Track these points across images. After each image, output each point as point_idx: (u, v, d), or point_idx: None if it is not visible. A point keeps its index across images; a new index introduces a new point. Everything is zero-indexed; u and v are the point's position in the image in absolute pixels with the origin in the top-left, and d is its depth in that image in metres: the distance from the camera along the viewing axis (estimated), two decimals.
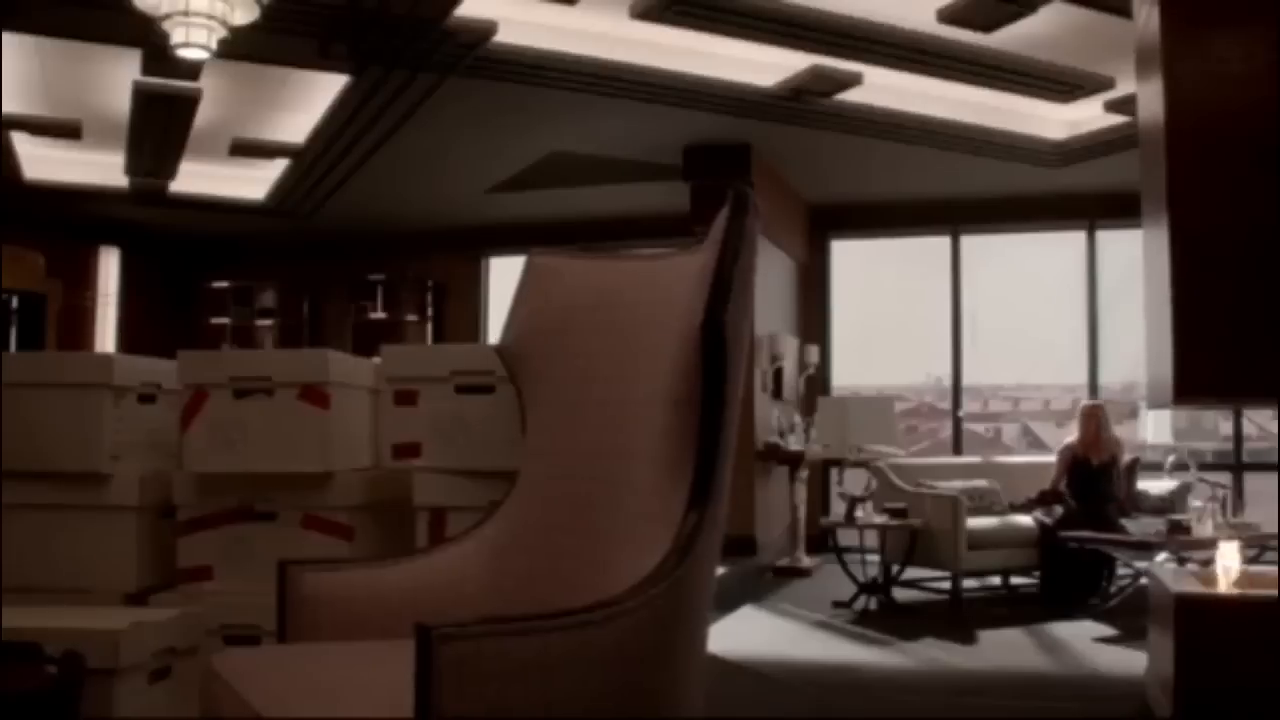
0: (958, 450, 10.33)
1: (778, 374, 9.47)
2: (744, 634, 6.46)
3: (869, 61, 6.96)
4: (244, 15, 5.34)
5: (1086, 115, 7.95)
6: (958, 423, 10.53)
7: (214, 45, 5.33)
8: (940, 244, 10.46)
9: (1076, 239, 10.12)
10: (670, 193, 9.03)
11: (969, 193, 9.96)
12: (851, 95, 7.50)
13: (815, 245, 10.80)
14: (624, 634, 1.91)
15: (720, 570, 8.17)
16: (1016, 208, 10.05)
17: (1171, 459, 8.25)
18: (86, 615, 2.68)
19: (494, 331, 4.76)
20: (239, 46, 5.96)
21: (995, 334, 10.89)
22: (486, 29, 6.39)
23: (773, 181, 9.39)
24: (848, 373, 10.90)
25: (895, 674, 5.55)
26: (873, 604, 7.26)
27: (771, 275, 9.52)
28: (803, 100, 7.55)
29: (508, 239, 10.88)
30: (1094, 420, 7.73)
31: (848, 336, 10.93)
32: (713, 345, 2.08)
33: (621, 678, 1.91)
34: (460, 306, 11.91)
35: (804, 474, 9.10)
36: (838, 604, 7.28)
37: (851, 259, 11.00)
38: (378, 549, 3.10)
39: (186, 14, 5.12)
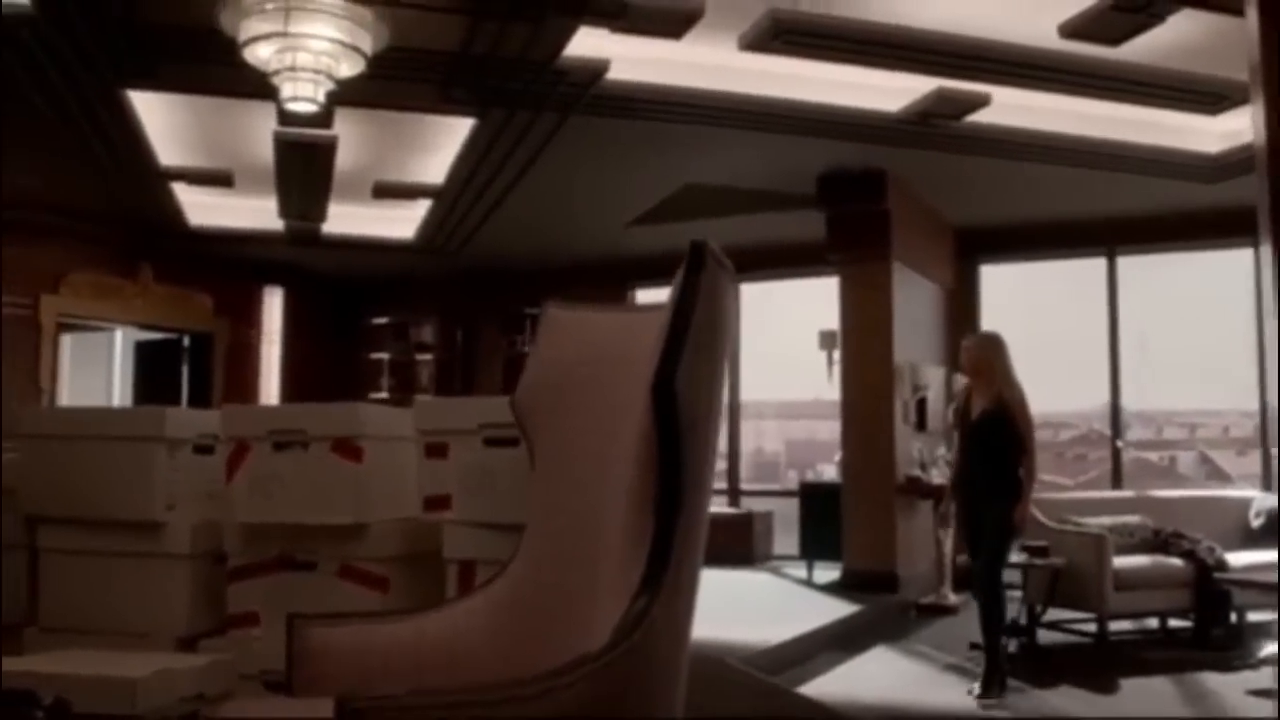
0: (1117, 482, 9.78)
1: (920, 404, 9.18)
2: (866, 677, 6.25)
3: (994, 81, 6.72)
4: (350, 68, 5.49)
5: (1241, 126, 7.43)
6: (1116, 452, 9.97)
7: (321, 98, 5.50)
8: (1096, 265, 9.97)
9: (1243, 256, 9.47)
10: (807, 221, 8.92)
11: (1122, 211, 9.46)
12: (982, 116, 7.23)
13: (963, 270, 10.44)
14: (564, 707, 1.87)
15: (857, 607, 7.83)
16: (1175, 225, 9.46)
17: None
18: (112, 662, 2.76)
19: None
20: (362, 94, 6.16)
21: (1168, 357, 10.30)
22: (599, 67, 6.43)
23: (913, 206, 9.13)
24: None
25: None
26: (1013, 646, 6.92)
27: (913, 303, 9.25)
28: (931, 124, 7.31)
29: (652, 271, 10.88)
30: (974, 357, 5.97)
31: None
32: (664, 408, 2.00)
33: None
34: None
35: (950, 508, 8.76)
36: (974, 645, 6.96)
37: (1003, 282, 10.57)
38: (412, 600, 3.11)
39: (294, 69, 5.29)
